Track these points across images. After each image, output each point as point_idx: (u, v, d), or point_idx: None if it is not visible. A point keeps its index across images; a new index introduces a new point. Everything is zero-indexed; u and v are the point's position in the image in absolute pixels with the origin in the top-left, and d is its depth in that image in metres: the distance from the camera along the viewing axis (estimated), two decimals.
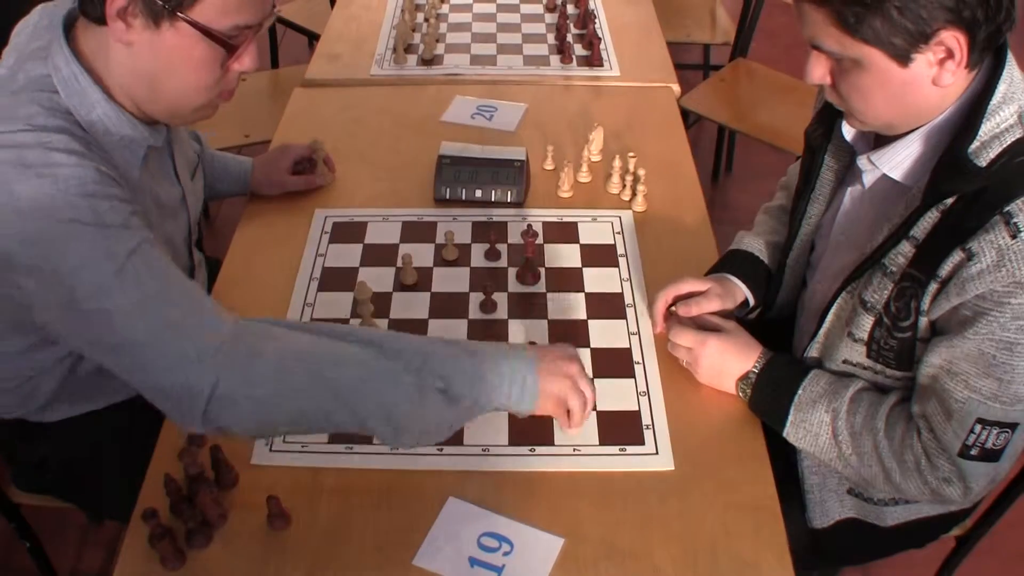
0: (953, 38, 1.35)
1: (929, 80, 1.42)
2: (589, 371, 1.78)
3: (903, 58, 1.39)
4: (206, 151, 2.18)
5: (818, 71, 1.51)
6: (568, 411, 1.56)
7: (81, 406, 1.82)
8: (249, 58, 1.56)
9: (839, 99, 1.53)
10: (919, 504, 1.77)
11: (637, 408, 1.72)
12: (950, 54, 1.37)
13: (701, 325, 1.76)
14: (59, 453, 1.86)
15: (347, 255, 2.07)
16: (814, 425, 1.63)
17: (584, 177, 2.29)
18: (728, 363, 1.72)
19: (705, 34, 4.11)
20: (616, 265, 2.04)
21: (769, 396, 1.68)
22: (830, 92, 1.54)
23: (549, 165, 2.33)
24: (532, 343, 1.76)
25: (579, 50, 2.87)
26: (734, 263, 1.92)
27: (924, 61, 1.39)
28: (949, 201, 1.44)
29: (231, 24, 1.48)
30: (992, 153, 1.40)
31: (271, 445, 1.64)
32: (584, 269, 2.03)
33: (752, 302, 1.89)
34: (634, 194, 2.18)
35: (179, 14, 1.43)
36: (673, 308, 1.81)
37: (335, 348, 1.48)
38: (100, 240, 1.39)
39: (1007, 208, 1.38)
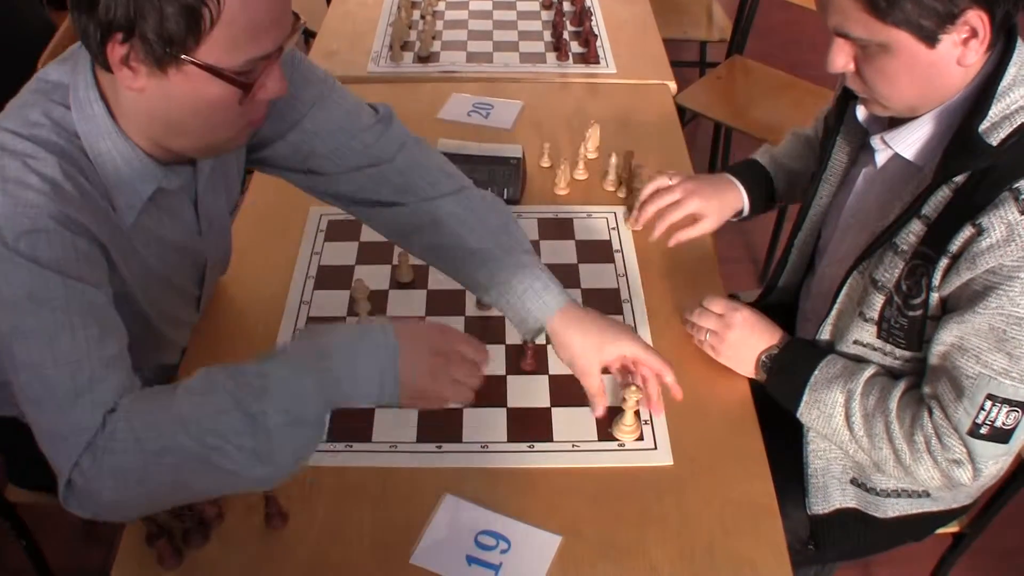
0: (977, 17, 1.38)
1: (954, 60, 1.44)
2: None
3: (931, 39, 1.41)
4: None
5: (840, 59, 1.51)
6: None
7: None
8: (274, 84, 1.38)
9: (862, 86, 1.54)
10: (920, 498, 1.77)
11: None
12: (974, 33, 1.40)
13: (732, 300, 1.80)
14: None
15: (343, 253, 2.07)
16: (828, 405, 1.63)
17: (580, 175, 2.28)
18: (754, 338, 1.74)
19: (701, 31, 4.10)
20: (612, 261, 2.04)
21: (787, 374, 1.70)
22: (853, 79, 1.55)
23: (545, 162, 2.33)
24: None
25: (575, 47, 2.87)
26: (742, 170, 2.03)
27: (950, 41, 1.41)
28: (960, 180, 1.46)
29: (244, 59, 1.31)
30: (1003, 133, 1.43)
31: None
32: (580, 265, 2.03)
33: (747, 211, 1.99)
34: (630, 200, 2.16)
35: (184, 57, 1.28)
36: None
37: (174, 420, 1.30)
38: (25, 276, 1.28)
39: (1016, 184, 1.39)
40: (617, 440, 1.66)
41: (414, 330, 1.44)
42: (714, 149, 4.12)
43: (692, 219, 1.93)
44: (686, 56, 4.38)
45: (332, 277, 2.00)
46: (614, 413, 1.68)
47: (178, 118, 1.38)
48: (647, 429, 1.67)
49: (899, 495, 1.76)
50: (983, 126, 1.43)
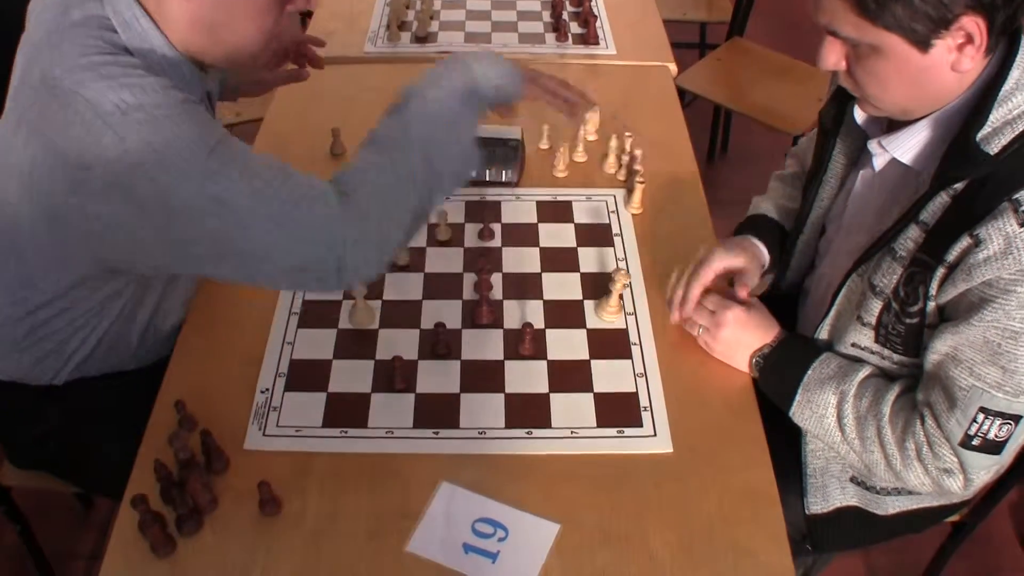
0: (973, 23, 1.33)
1: (948, 66, 1.39)
2: (585, 352, 1.77)
3: (923, 44, 1.37)
4: None
5: (832, 57, 1.48)
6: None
7: (105, 364, 1.83)
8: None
9: (854, 85, 1.51)
10: (920, 495, 1.75)
11: (635, 390, 1.70)
12: (969, 39, 1.35)
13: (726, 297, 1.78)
14: (62, 420, 1.85)
15: None
16: (820, 406, 1.62)
17: (580, 157, 2.26)
18: (747, 336, 1.73)
19: (702, 12, 4.08)
20: (611, 244, 2.02)
21: (779, 374, 1.68)
22: (844, 78, 1.51)
23: (544, 145, 2.31)
24: (528, 323, 1.75)
25: (575, 28, 2.84)
26: (754, 227, 1.94)
27: (944, 47, 1.37)
28: (960, 186, 1.43)
29: None
30: (1004, 140, 1.39)
31: (264, 429, 1.62)
32: (579, 249, 2.01)
33: (768, 264, 1.91)
34: (630, 183, 2.14)
35: None
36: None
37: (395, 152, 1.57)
38: (198, 142, 1.40)
39: (1016, 195, 1.36)
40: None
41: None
42: (713, 131, 4.10)
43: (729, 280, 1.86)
44: (685, 37, 4.35)
45: None
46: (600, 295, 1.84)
47: (223, 25, 1.49)
48: (646, 415, 1.65)
49: (899, 493, 1.75)
50: (982, 133, 1.40)
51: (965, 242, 1.40)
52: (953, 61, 1.39)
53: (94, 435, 1.86)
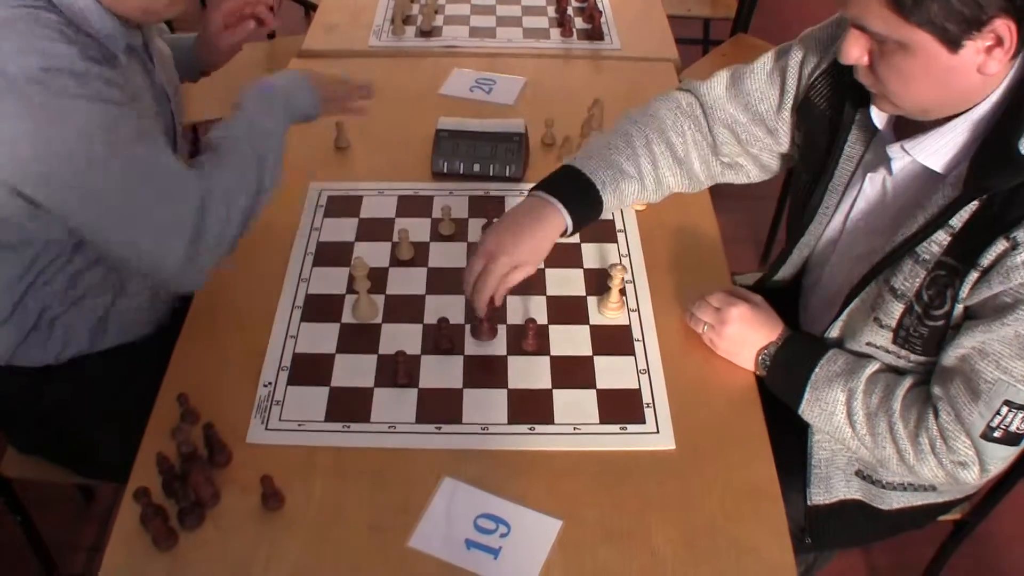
0: (1005, 26, 1.32)
1: (975, 67, 1.38)
2: (588, 348, 1.77)
3: (953, 44, 1.35)
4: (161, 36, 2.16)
5: (855, 51, 1.45)
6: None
7: (96, 341, 1.86)
8: None
9: (874, 80, 1.48)
10: (925, 491, 1.75)
11: (638, 386, 1.70)
12: (999, 42, 1.34)
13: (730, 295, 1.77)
14: (60, 401, 1.87)
15: (342, 229, 2.04)
16: (829, 404, 1.62)
17: None
18: (752, 333, 1.72)
19: (706, 8, 4.06)
20: (615, 241, 2.02)
21: (786, 372, 1.68)
22: (865, 73, 1.49)
23: (548, 139, 2.30)
24: (531, 319, 1.75)
25: (580, 23, 2.84)
26: (558, 184, 1.77)
27: (973, 48, 1.35)
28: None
29: None
30: None
31: (266, 423, 1.62)
32: (582, 245, 2.00)
33: (571, 228, 1.73)
34: None
35: None
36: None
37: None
38: (95, 114, 1.52)
39: None
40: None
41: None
42: None
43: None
44: (689, 33, 4.34)
45: (331, 254, 1.97)
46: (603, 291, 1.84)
47: None
48: (648, 412, 1.65)
49: (904, 488, 1.75)
50: (1022, 137, 1.38)
51: (1001, 245, 1.39)
52: (980, 63, 1.37)
53: (95, 416, 1.87)
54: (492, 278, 1.65)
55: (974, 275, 1.43)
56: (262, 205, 1.74)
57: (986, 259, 1.41)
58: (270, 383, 1.69)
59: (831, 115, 1.70)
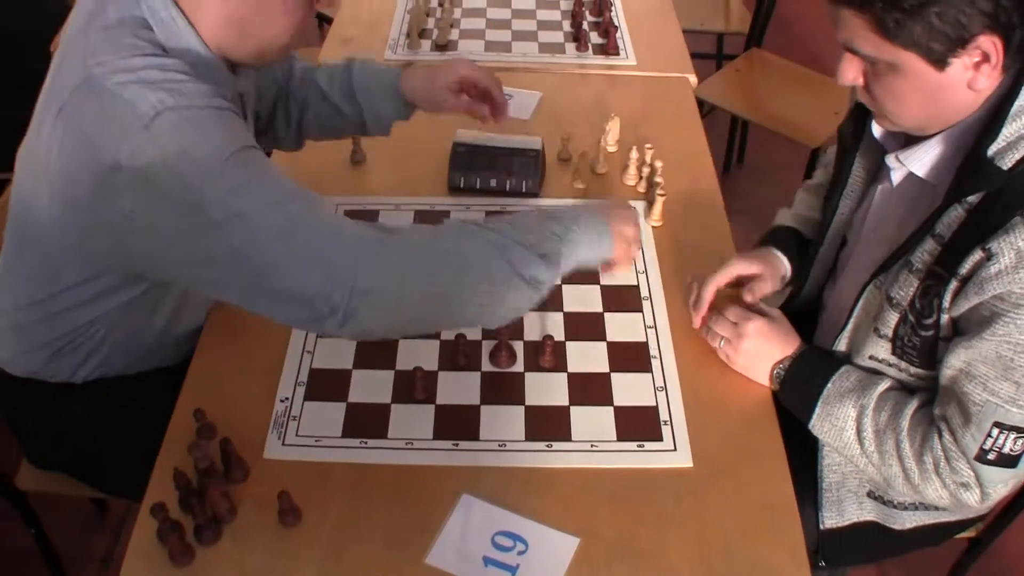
0: (990, 42, 1.35)
1: (964, 83, 1.41)
2: (605, 365, 1.77)
3: (940, 62, 1.39)
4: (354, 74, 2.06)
5: (850, 73, 1.50)
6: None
7: (123, 365, 1.83)
8: None
9: (871, 100, 1.53)
10: (938, 510, 1.75)
11: (655, 403, 1.70)
12: (986, 58, 1.37)
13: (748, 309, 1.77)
14: (79, 419, 1.85)
15: None
16: (840, 419, 1.62)
17: (600, 168, 2.26)
18: (769, 348, 1.72)
19: (719, 23, 4.07)
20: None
21: (799, 386, 1.68)
22: (862, 93, 1.53)
23: (564, 155, 2.30)
24: (548, 335, 1.74)
25: (595, 38, 2.83)
26: (776, 238, 1.94)
27: (960, 65, 1.39)
28: (974, 200, 1.44)
29: None
30: (1018, 155, 1.40)
31: (283, 438, 1.62)
32: None
33: (789, 274, 1.90)
34: (651, 195, 2.13)
35: None
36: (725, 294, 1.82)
37: (447, 232, 1.56)
38: (227, 145, 1.42)
39: None
40: (635, 440, 1.64)
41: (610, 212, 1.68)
42: (730, 143, 4.09)
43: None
44: (702, 48, 4.34)
45: None
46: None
47: (254, 21, 1.53)
48: (666, 429, 1.65)
49: (917, 508, 1.75)
50: (993, 148, 1.41)
51: (977, 255, 1.41)
52: (969, 79, 1.40)
53: (112, 435, 1.86)
54: (725, 271, 1.80)
55: (954, 284, 1.46)
56: (447, 317, 1.56)
57: (964, 268, 1.43)
58: (287, 398, 1.69)
59: (846, 129, 1.74)
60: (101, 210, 1.44)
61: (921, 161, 1.55)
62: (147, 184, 1.38)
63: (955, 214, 1.47)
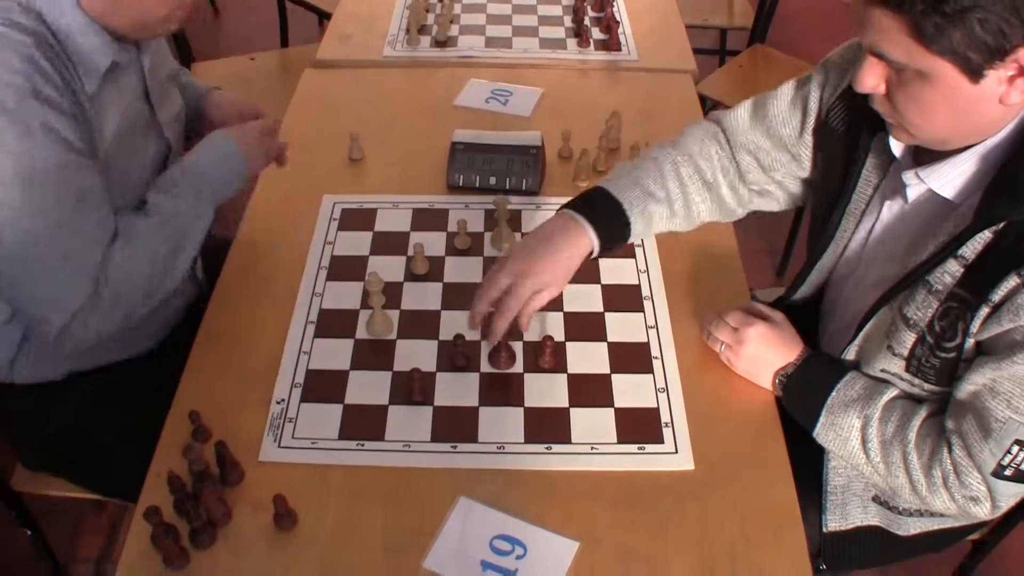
0: None
1: (996, 98, 1.34)
2: (606, 366, 1.75)
3: (976, 73, 1.31)
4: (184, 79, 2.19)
5: (871, 79, 1.41)
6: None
7: (95, 355, 1.85)
8: None
9: (890, 110, 1.44)
10: (943, 516, 1.73)
11: (656, 405, 1.68)
12: (1021, 72, 1.30)
13: (748, 313, 1.74)
14: (67, 418, 1.86)
15: (356, 243, 2.02)
16: (844, 429, 1.60)
17: (602, 165, 2.24)
18: (771, 353, 1.70)
19: (722, 18, 4.04)
20: (633, 256, 2.00)
21: (803, 394, 1.66)
22: (881, 102, 1.45)
23: (565, 152, 2.29)
24: (548, 336, 1.72)
25: (596, 34, 2.82)
26: (587, 204, 1.74)
27: (995, 78, 1.31)
28: (1002, 223, 1.39)
29: None
30: None
31: (279, 441, 1.60)
32: (600, 260, 1.97)
33: (598, 251, 1.71)
34: None
35: None
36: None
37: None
38: (14, 137, 1.48)
39: None
40: (636, 442, 1.62)
41: (238, 134, 1.88)
42: None
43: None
44: (705, 43, 4.32)
45: (345, 268, 1.95)
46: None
47: None
48: (667, 431, 1.63)
49: (922, 514, 1.73)
50: None
51: (1013, 282, 1.36)
52: (1002, 94, 1.33)
53: (101, 434, 1.86)
54: (516, 301, 1.63)
55: (985, 310, 1.41)
56: (163, 292, 1.74)
57: (997, 295, 1.39)
58: (283, 400, 1.67)
59: (848, 139, 1.68)
60: None
61: (945, 179, 1.49)
62: None
63: (980, 237, 1.41)
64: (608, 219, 1.70)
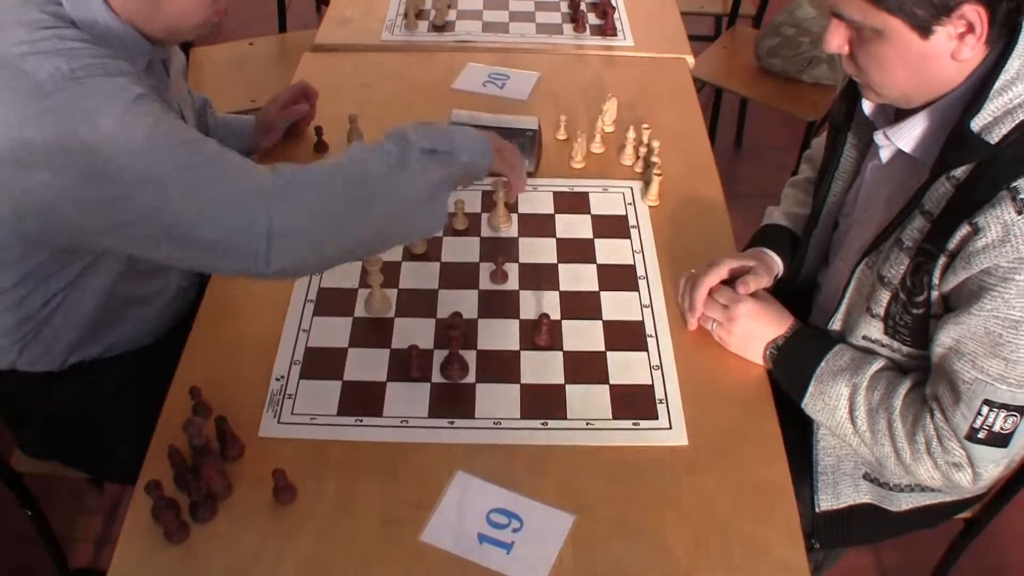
0: (975, 12, 1.34)
1: (948, 54, 1.41)
2: (601, 343, 1.77)
3: (924, 30, 1.38)
4: (213, 115, 2.17)
5: (836, 39, 1.50)
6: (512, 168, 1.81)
7: (97, 346, 1.84)
8: None
9: (856, 69, 1.52)
10: (934, 491, 1.75)
11: (651, 382, 1.69)
12: (971, 28, 1.37)
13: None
14: (68, 405, 1.86)
15: None
16: (832, 398, 1.61)
17: (597, 148, 2.25)
18: (761, 327, 1.72)
19: (717, 4, 4.06)
20: (628, 236, 2.01)
21: (793, 365, 1.68)
22: (847, 62, 1.53)
23: (562, 135, 2.30)
24: (544, 314, 1.74)
25: (593, 19, 2.83)
26: (766, 237, 1.93)
27: (945, 34, 1.38)
28: (960, 175, 1.44)
29: None
30: (1004, 129, 1.40)
31: (279, 417, 1.62)
32: (596, 240, 2.00)
33: (782, 271, 1.89)
34: (647, 175, 2.13)
35: None
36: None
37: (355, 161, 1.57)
38: (129, 106, 1.43)
39: (1015, 184, 1.37)
40: (631, 418, 1.64)
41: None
42: (713, 121, 4.05)
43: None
44: (701, 30, 4.33)
45: None
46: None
47: None
48: (662, 408, 1.65)
49: (913, 489, 1.75)
50: (979, 123, 1.40)
51: (965, 230, 1.40)
52: (953, 49, 1.40)
53: (101, 421, 1.87)
54: (717, 269, 1.77)
55: (943, 260, 1.45)
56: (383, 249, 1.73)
57: (952, 243, 1.43)
58: (283, 377, 1.69)
59: (837, 108, 1.75)
60: (22, 186, 1.44)
61: (908, 136, 1.55)
62: (56, 153, 1.39)
63: (942, 190, 1.46)
64: (782, 242, 1.93)
